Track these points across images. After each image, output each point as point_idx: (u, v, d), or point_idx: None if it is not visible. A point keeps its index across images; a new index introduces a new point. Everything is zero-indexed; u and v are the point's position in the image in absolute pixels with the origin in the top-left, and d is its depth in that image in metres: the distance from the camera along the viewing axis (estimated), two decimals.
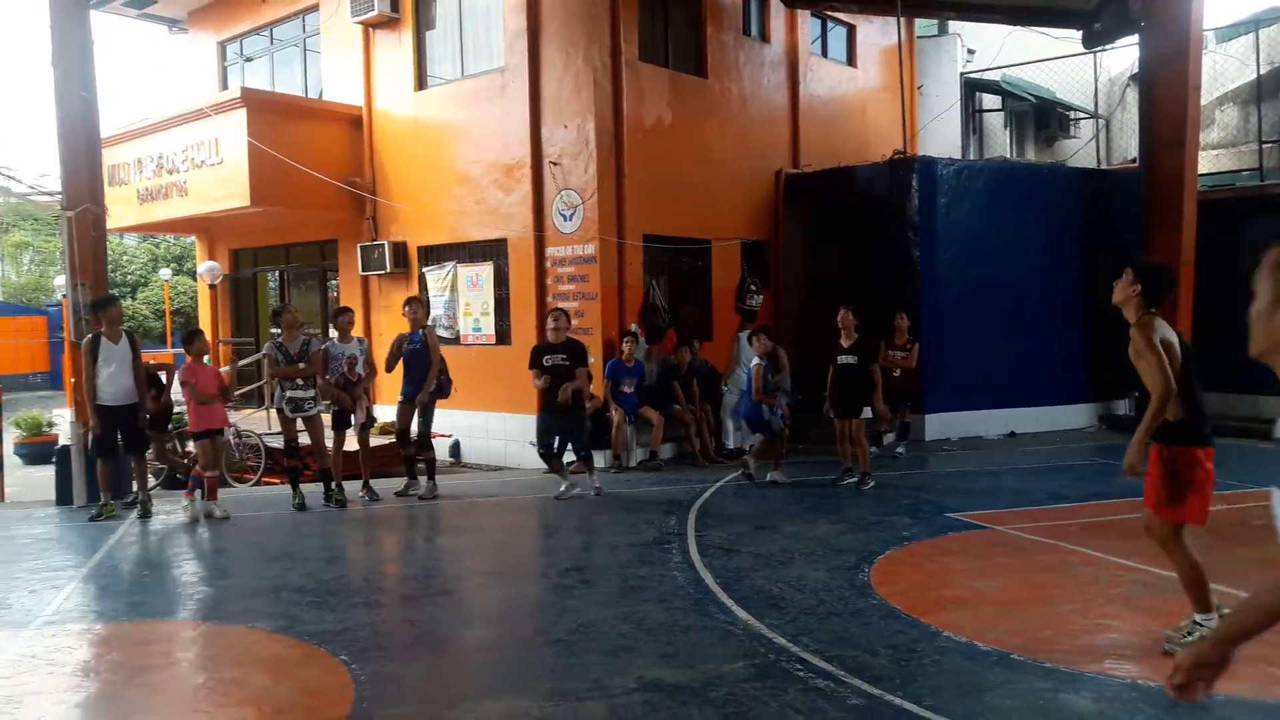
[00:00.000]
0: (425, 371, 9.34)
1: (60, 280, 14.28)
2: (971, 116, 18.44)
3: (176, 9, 17.38)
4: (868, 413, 9.39)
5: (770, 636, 5.08)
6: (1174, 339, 4.65)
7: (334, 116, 14.44)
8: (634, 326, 11.63)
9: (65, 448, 9.66)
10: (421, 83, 13.86)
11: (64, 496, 9.38)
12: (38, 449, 13.44)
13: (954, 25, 18.23)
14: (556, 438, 9.21)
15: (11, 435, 11.40)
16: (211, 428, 8.67)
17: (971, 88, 18.16)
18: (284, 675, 4.75)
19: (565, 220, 12.09)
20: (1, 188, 25.37)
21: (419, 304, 9.86)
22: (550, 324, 9.37)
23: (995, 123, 18.95)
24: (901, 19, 15.02)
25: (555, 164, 12.11)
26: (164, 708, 4.44)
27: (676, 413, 11.36)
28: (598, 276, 11.75)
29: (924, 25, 17.81)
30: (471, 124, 13.05)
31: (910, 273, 12.77)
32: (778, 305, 13.88)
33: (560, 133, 12.11)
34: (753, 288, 13.13)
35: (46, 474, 11.38)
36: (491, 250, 12.87)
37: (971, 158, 17.36)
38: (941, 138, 16.97)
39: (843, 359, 9.34)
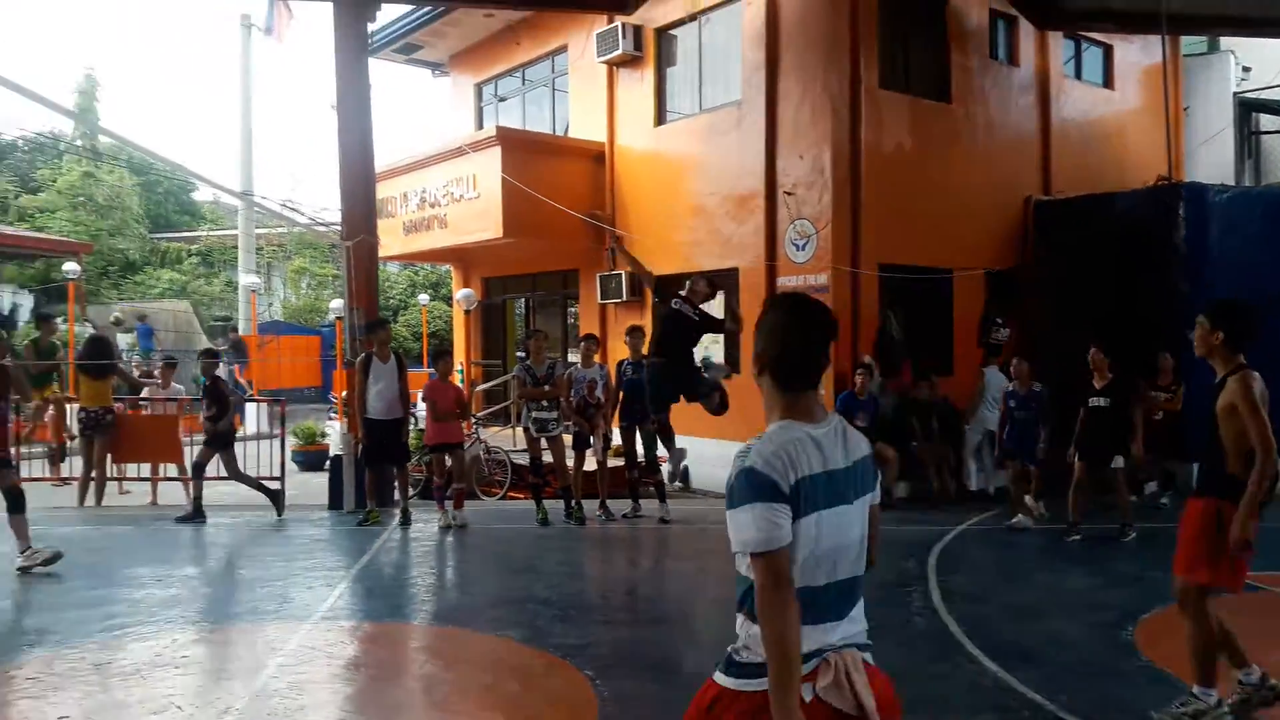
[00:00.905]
0: (644, 399, 9.55)
1: (336, 303, 15.72)
2: (1248, 139, 16.83)
3: (439, 54, 18.82)
4: (1119, 461, 8.72)
5: (1023, 691, 4.81)
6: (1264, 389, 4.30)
7: (579, 152, 15.14)
8: (867, 358, 11.39)
9: (338, 457, 10.60)
10: (661, 118, 14.30)
11: (335, 501, 10.29)
12: (311, 457, 14.84)
13: (1226, 42, 16.72)
14: None
15: (289, 444, 12.65)
16: (446, 442, 9.27)
17: (1247, 108, 16.60)
18: (532, 684, 5.00)
19: (798, 250, 12.07)
20: (287, 220, 28.37)
21: (640, 333, 10.13)
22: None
23: (1276, 145, 17.21)
24: (1166, 37, 13.98)
25: (789, 194, 12.12)
26: (425, 705, 4.78)
27: (915, 450, 11.00)
28: (831, 306, 11.60)
29: (1191, 43, 16.46)
30: (707, 157, 13.31)
31: (1175, 308, 11.73)
32: (1026, 340, 13.16)
33: (795, 163, 12.13)
34: (998, 321, 12.53)
35: (319, 480, 12.55)
36: (723, 280, 13.00)
37: (1248, 184, 15.82)
38: (1211, 162, 15.60)
39: (1094, 401, 8.76)
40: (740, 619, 2.31)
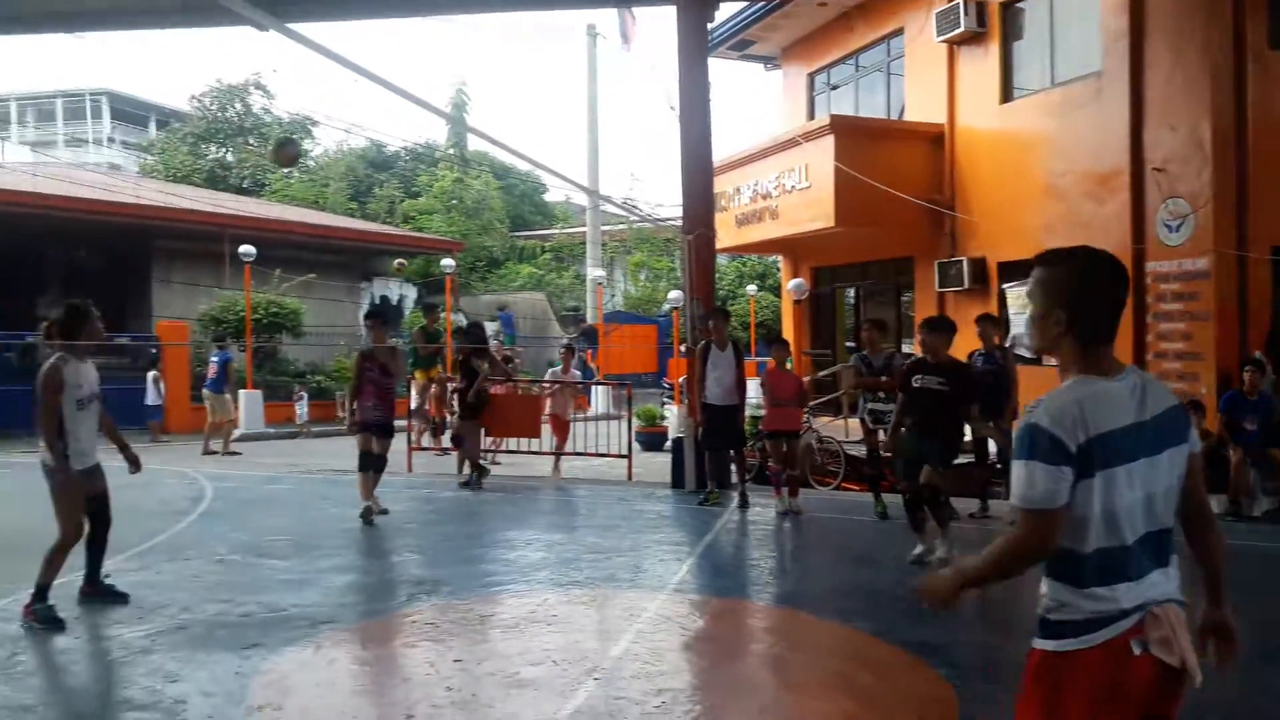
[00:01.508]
0: (997, 393, 9.04)
1: (673, 294, 16.43)
2: None
3: (771, 47, 18.99)
4: None
5: None
6: None
7: (915, 136, 14.68)
8: (1258, 354, 10.05)
9: (679, 439, 11.07)
10: (1007, 95, 13.50)
11: (677, 481, 10.76)
12: (651, 438, 15.63)
13: None
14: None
15: (634, 425, 13.42)
16: (781, 429, 9.31)
17: None
18: (886, 678, 4.90)
19: (1171, 232, 10.90)
20: (627, 216, 30.01)
21: (991, 322, 9.58)
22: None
23: None
24: None
25: (1159, 170, 10.98)
26: (777, 685, 4.86)
27: None
28: (1212, 295, 10.39)
29: None
30: (1060, 133, 12.38)
31: None
32: None
33: (1166, 136, 10.96)
34: None
35: (659, 459, 13.19)
36: None
37: None
38: None
39: None
40: (1044, 581, 2.31)
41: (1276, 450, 9.52)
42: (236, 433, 15.55)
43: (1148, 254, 11.15)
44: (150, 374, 16.43)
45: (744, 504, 9.46)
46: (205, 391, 14.82)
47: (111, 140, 50.28)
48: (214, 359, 15.18)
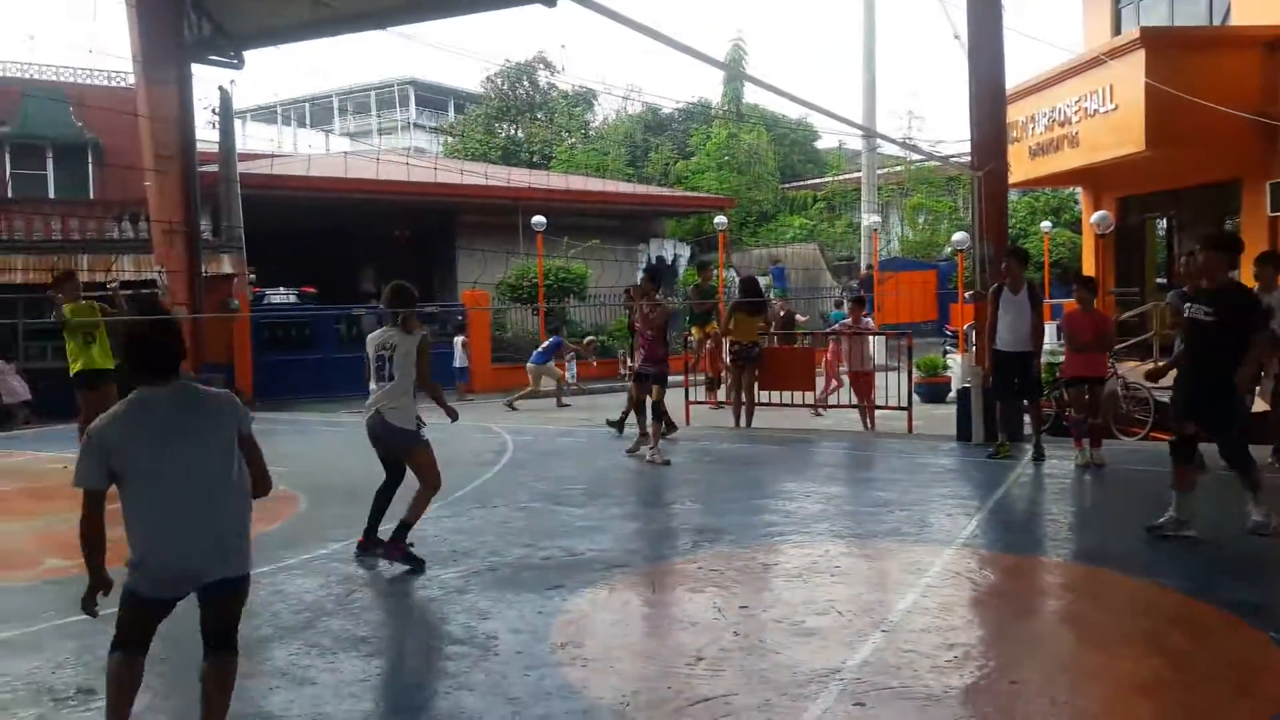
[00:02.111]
0: None
1: (958, 236, 15.61)
2: None
3: None
4: None
5: None
6: None
7: (1244, 41, 13.01)
8: None
9: (965, 389, 10.57)
10: None
11: (964, 433, 10.29)
12: (933, 389, 15.05)
13: None
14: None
15: (914, 376, 12.96)
16: (1086, 375, 8.60)
17: None
18: (1203, 639, 4.52)
19: None
20: (905, 158, 28.81)
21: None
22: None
23: None
24: None
25: None
26: (1077, 643, 4.56)
27: None
28: None
29: None
30: None
31: None
32: None
33: None
34: None
35: (941, 411, 12.70)
36: None
37: None
38: None
39: None
40: None
41: None
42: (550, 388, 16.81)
43: None
44: (458, 339, 17.97)
45: (1039, 457, 8.89)
46: (529, 365, 16.09)
47: (417, 126, 54.96)
48: (549, 341, 16.50)
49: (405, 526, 5.81)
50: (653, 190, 29.87)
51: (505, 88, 38.86)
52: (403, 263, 23.48)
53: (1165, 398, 9.49)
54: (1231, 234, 7.13)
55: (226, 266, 16.67)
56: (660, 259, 27.82)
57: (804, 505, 7.40)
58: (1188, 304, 6.21)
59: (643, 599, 5.33)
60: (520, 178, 25.68)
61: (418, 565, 5.76)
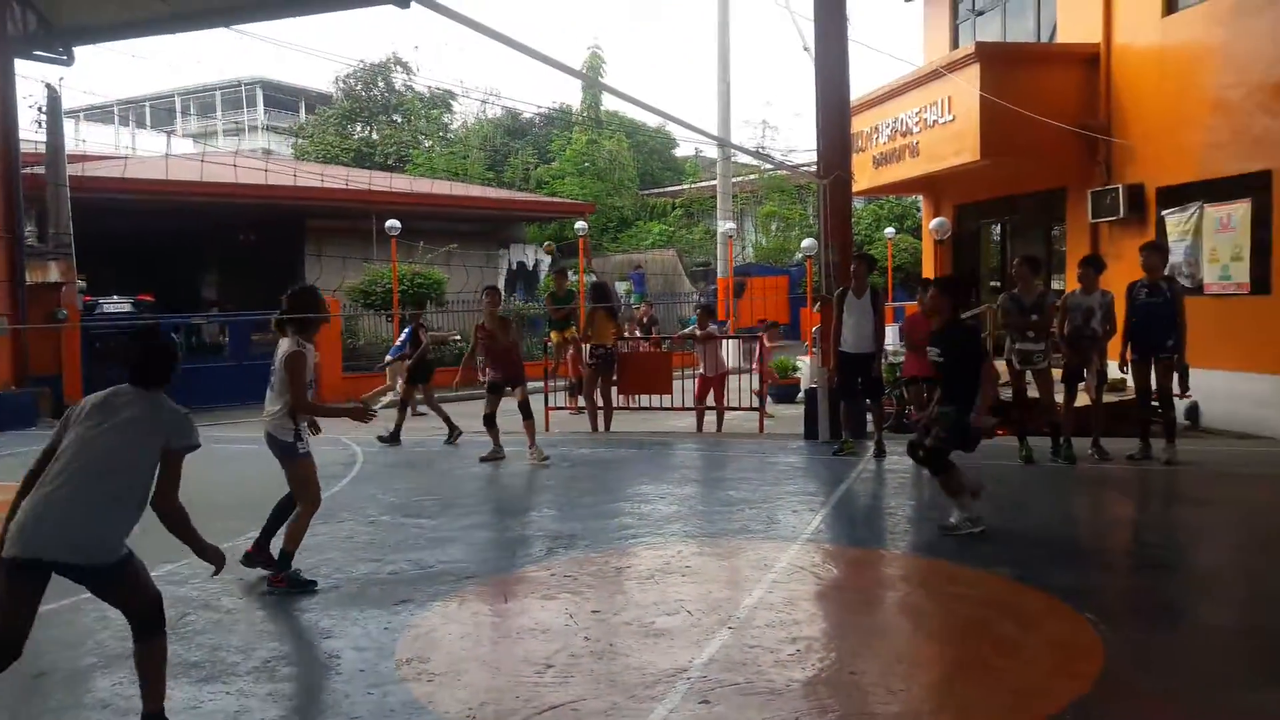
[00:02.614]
0: (1163, 326, 8.44)
1: (806, 242, 16.10)
2: None
3: None
4: None
5: None
6: None
7: (1068, 58, 13.84)
8: None
9: (812, 389, 10.88)
10: (1171, 6, 12.49)
11: (810, 432, 10.59)
12: (784, 390, 15.44)
13: None
14: None
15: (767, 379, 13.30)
16: (922, 375, 9.00)
17: None
18: (1028, 623, 4.76)
19: None
20: (759, 166, 29.52)
21: (1155, 251, 8.92)
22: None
23: None
24: None
25: None
26: (914, 633, 4.75)
27: None
28: None
29: None
30: (1232, 43, 11.37)
31: None
32: None
33: None
34: None
35: (792, 411, 13.04)
36: (1250, 185, 11.10)
37: None
38: None
39: None
40: None
41: None
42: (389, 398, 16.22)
43: None
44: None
45: (880, 453, 9.24)
46: (388, 359, 15.35)
47: (267, 127, 52.92)
48: (405, 332, 15.82)
49: (286, 556, 5.56)
50: (513, 195, 29.63)
51: (358, 89, 37.86)
52: (249, 268, 22.50)
53: (1004, 395, 10.04)
54: (956, 277, 7.64)
55: (54, 274, 15.56)
56: (521, 264, 27.64)
57: (658, 507, 7.45)
58: (929, 346, 6.61)
59: (493, 609, 5.24)
60: (375, 180, 25.03)
61: (308, 588, 5.51)
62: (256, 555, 5.79)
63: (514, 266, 27.26)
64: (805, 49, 11.52)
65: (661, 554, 6.05)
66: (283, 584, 5.51)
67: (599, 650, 4.44)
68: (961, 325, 6.70)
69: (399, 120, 37.87)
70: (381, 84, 38.10)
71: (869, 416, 9.88)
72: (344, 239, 22.18)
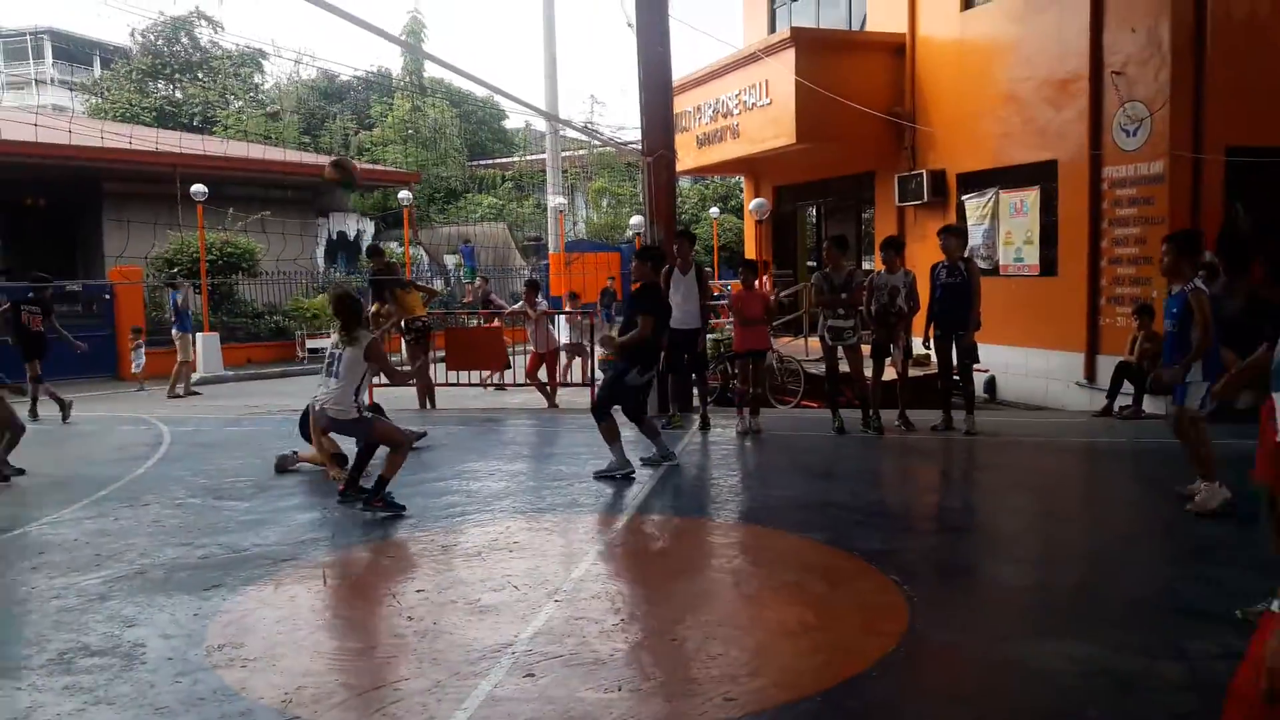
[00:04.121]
0: (962, 304, 9.06)
1: (635, 220, 16.28)
2: None
3: None
4: None
5: None
6: None
7: (877, 46, 14.48)
8: (1210, 256, 10.10)
9: None
10: (968, 1, 13.29)
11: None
12: (612, 365, 15.60)
13: None
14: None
15: (598, 353, 13.36)
16: (753, 349, 9.35)
17: None
18: (839, 585, 5.01)
19: (1128, 136, 10.87)
20: (589, 142, 29.53)
21: (955, 234, 9.54)
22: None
23: None
24: None
25: (1118, 74, 10.90)
26: (736, 597, 4.92)
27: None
28: (1166, 198, 10.43)
29: None
30: (1022, 39, 12.24)
31: None
32: None
33: (1126, 38, 10.85)
34: None
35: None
36: (1039, 174, 12.04)
37: None
38: None
39: None
40: None
41: (1226, 352, 9.64)
42: (195, 376, 15.35)
43: (1105, 159, 11.13)
44: None
45: (705, 425, 9.52)
46: (175, 333, 14.47)
47: (59, 81, 48.65)
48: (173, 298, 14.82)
49: (382, 481, 6.46)
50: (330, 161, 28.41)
51: (159, 44, 35.30)
52: (39, 236, 20.69)
53: (816, 370, 10.53)
54: (655, 247, 8.40)
55: None
56: (341, 234, 26.64)
57: (487, 484, 7.40)
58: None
59: (312, 592, 5.07)
60: (179, 142, 23.43)
61: (400, 510, 6.44)
62: (349, 490, 6.77)
63: (334, 236, 26.22)
64: (630, 25, 11.56)
65: (489, 531, 6.02)
66: (380, 504, 6.42)
67: (422, 629, 4.38)
68: (643, 288, 7.65)
69: (204, 78, 35.59)
70: (185, 39, 35.66)
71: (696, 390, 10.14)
72: (146, 204, 20.70)
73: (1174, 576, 5.04)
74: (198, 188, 17.13)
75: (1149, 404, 9.90)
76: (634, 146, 16.22)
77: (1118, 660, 3.91)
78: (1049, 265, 11.87)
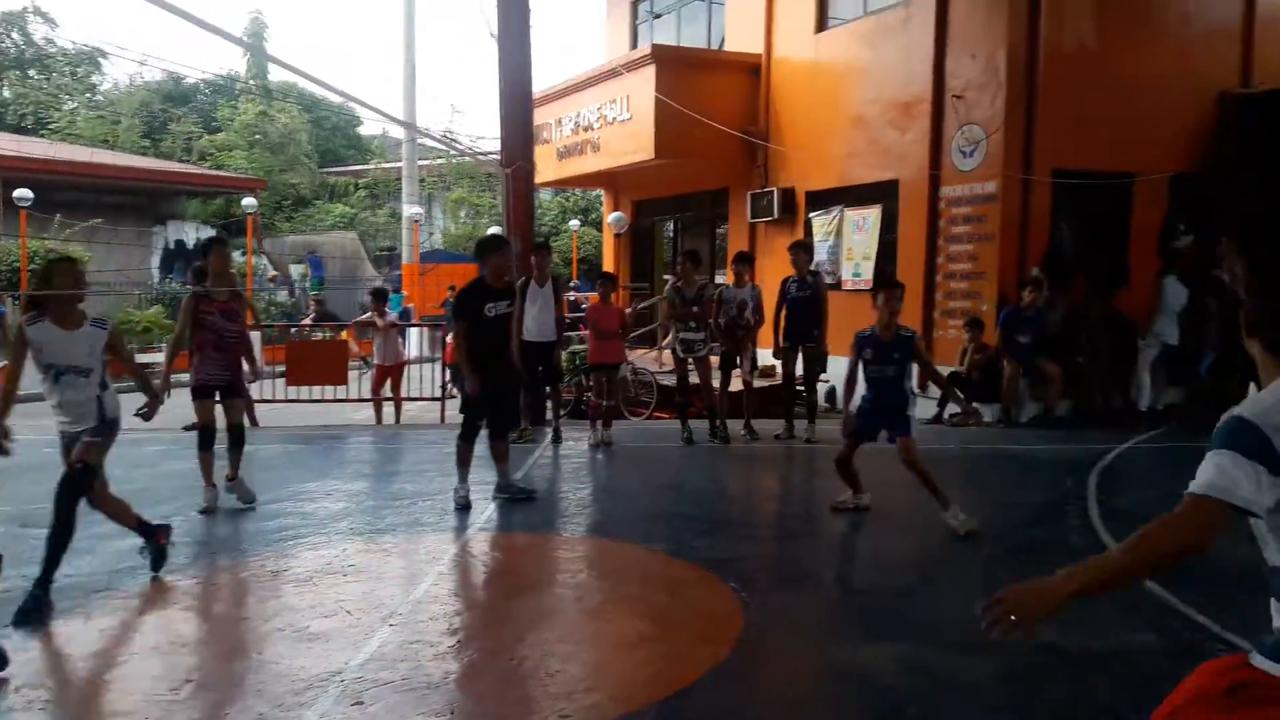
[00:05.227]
0: (810, 317, 9.33)
1: (493, 231, 16.07)
2: None
3: None
4: None
5: (1186, 612, 4.57)
6: None
7: (734, 66, 14.77)
8: (1036, 271, 10.75)
9: None
10: (822, 24, 13.73)
11: None
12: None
13: None
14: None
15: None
16: (607, 361, 9.36)
17: None
18: (679, 595, 5.03)
19: (965, 157, 11.42)
20: (447, 151, 29.08)
21: (803, 249, 9.86)
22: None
23: None
24: None
25: (958, 97, 11.44)
26: (578, 612, 4.87)
27: (1081, 367, 10.40)
28: (998, 217, 10.99)
29: None
30: (871, 62, 12.70)
31: None
32: (1210, 249, 12.04)
33: (966, 64, 11.40)
34: (1180, 228, 11.53)
35: None
36: (881, 192, 12.52)
37: None
38: None
39: None
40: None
41: (1045, 362, 10.27)
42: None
43: (943, 179, 11.64)
44: None
45: (557, 439, 9.46)
46: None
47: None
48: None
49: None
50: (172, 166, 27.01)
51: None
52: None
53: (669, 381, 10.62)
54: (492, 238, 7.69)
55: None
56: (180, 243, 25.33)
57: (324, 505, 7.10)
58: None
59: (126, 625, 4.74)
60: (3, 143, 21.86)
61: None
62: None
63: (171, 245, 24.90)
64: (492, 35, 11.43)
65: (324, 554, 5.77)
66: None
67: (245, 660, 4.16)
68: (460, 293, 7.15)
69: (37, 77, 33.36)
70: (17, 35, 33.35)
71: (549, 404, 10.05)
72: None
73: (996, 578, 5.28)
74: (21, 192, 16.00)
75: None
76: (493, 157, 16.08)
77: (936, 659, 4.07)
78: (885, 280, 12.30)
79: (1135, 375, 10.87)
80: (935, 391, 10.05)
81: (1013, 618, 2.01)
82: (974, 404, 9.58)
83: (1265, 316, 2.00)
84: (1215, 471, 1.90)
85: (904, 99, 12.11)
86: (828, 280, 12.40)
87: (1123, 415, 10.48)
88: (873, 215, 12.57)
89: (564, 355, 10.52)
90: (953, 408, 10.08)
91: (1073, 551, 5.64)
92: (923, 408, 11.40)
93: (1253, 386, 4.56)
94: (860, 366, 6.22)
